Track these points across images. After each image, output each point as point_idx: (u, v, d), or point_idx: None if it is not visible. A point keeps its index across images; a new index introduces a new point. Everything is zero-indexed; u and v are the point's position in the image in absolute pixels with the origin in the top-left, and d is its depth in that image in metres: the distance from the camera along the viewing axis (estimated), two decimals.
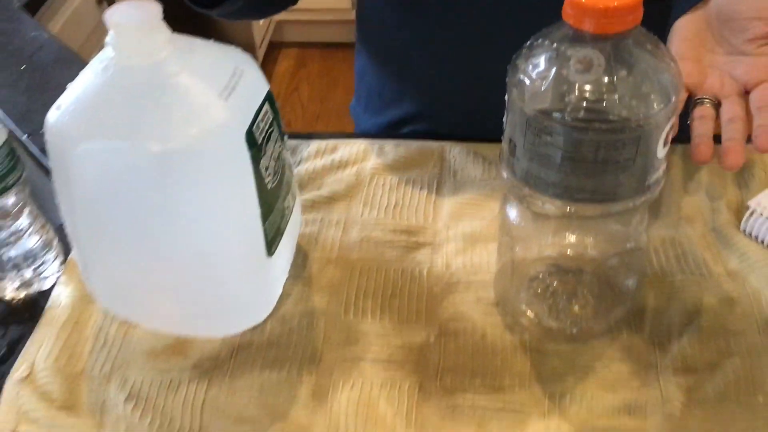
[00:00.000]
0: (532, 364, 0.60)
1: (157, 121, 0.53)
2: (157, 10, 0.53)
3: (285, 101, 2.50)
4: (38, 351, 0.63)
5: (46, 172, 0.84)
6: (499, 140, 0.75)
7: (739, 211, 0.71)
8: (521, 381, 0.59)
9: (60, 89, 0.94)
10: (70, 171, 0.55)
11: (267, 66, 2.61)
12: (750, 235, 0.68)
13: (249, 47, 2.42)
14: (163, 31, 0.54)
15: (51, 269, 0.69)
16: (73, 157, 0.54)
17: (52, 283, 0.69)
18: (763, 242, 0.67)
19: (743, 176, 0.74)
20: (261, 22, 2.48)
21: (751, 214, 0.68)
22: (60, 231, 0.72)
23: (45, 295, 0.68)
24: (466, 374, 0.60)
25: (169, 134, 0.53)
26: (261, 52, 2.52)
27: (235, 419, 0.58)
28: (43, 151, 0.85)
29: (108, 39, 0.54)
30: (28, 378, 0.61)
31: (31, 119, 0.88)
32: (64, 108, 0.54)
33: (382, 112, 0.92)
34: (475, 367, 0.60)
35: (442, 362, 0.61)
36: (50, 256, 0.69)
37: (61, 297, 0.68)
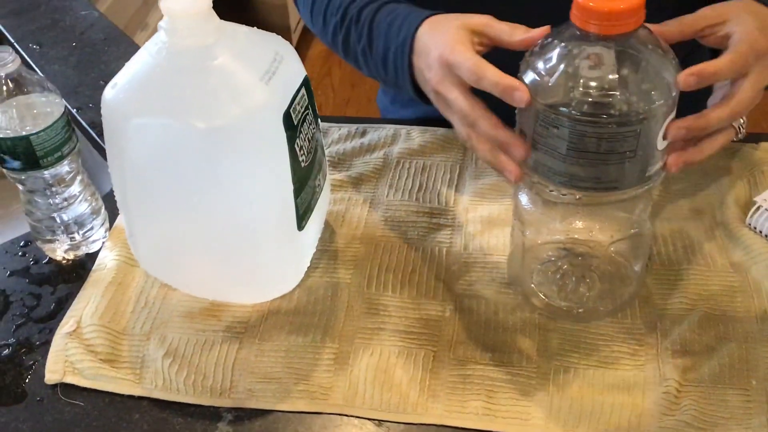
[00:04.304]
0: (540, 341, 0.64)
1: (204, 101, 0.58)
2: None
3: (317, 85, 2.54)
4: (85, 308, 0.69)
5: (95, 144, 0.89)
6: None
7: (747, 206, 0.74)
8: (529, 356, 0.63)
9: (108, 66, 1.00)
10: (123, 143, 0.60)
11: (301, 49, 2.65)
12: (755, 229, 0.72)
13: (284, 30, 2.47)
14: (213, 18, 0.59)
15: (98, 234, 0.74)
16: (125, 131, 0.59)
17: (98, 247, 0.75)
18: (766, 237, 0.71)
19: (753, 173, 0.78)
20: None
21: (757, 209, 0.72)
22: (106, 199, 0.77)
23: (92, 257, 0.74)
24: (477, 347, 0.64)
25: (213, 113, 0.58)
26: (296, 36, 2.56)
27: (262, 378, 0.63)
28: (91, 124, 0.90)
29: (162, 24, 0.59)
30: (75, 332, 0.67)
31: (82, 93, 0.94)
32: (120, 86, 0.59)
33: (409, 106, 0.96)
34: (487, 341, 0.65)
35: (456, 335, 0.65)
36: (98, 222, 0.74)
37: (107, 260, 0.73)
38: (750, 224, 0.72)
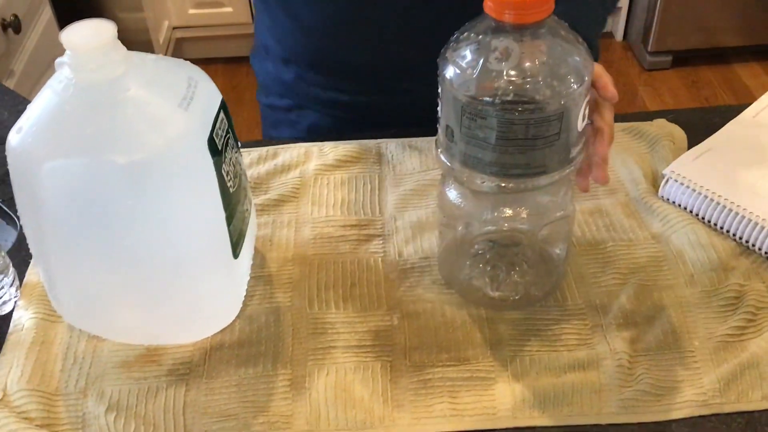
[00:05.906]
0: (491, 333, 0.65)
1: (121, 135, 0.55)
2: (112, 28, 0.55)
3: None
4: (9, 374, 0.63)
5: None
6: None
7: (655, 179, 0.78)
8: (483, 350, 0.64)
9: None
10: (36, 191, 0.56)
11: None
12: (668, 200, 0.75)
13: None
14: (120, 48, 0.56)
15: (9, 294, 0.69)
16: (38, 177, 0.55)
17: (11, 308, 0.69)
18: (680, 206, 0.74)
19: (654, 148, 0.82)
20: (161, 40, 2.45)
21: (667, 181, 0.75)
22: (12, 255, 0.72)
23: (6, 319, 0.68)
24: (432, 350, 0.64)
25: (134, 146, 0.55)
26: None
27: (218, 417, 0.60)
28: None
29: (64, 59, 0.55)
30: (3, 401, 0.61)
31: None
32: (26, 130, 0.55)
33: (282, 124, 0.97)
34: (440, 342, 0.64)
35: (408, 342, 0.65)
36: (7, 281, 0.69)
37: (23, 320, 0.68)
38: (662, 196, 0.76)
